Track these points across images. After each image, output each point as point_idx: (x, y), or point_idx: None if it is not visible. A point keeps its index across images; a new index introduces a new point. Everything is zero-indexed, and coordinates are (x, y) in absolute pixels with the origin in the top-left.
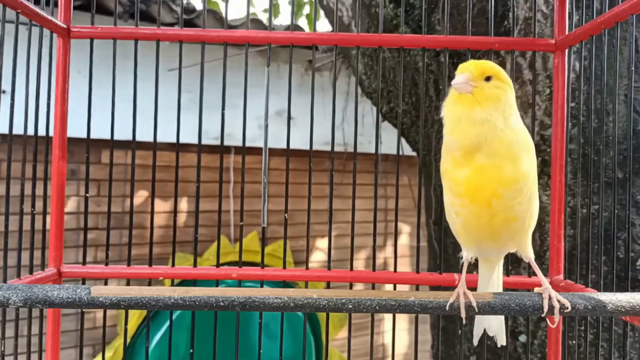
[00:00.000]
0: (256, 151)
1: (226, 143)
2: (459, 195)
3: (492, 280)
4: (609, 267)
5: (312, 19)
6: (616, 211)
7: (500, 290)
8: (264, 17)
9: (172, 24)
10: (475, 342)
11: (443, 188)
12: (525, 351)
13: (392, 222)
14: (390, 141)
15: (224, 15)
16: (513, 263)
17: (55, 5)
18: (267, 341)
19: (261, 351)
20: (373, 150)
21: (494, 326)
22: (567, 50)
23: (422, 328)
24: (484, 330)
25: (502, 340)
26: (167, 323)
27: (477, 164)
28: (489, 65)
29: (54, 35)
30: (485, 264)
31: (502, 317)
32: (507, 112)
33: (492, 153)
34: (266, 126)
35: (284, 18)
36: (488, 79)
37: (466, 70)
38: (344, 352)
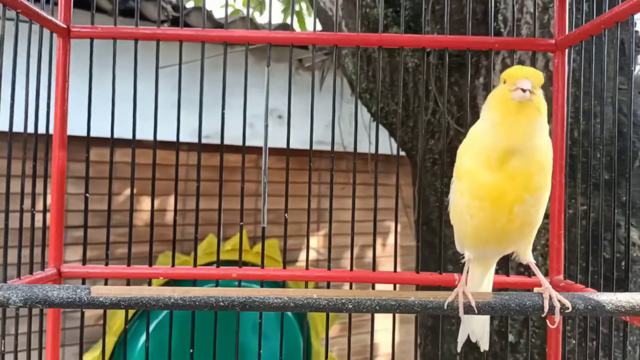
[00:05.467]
0: (248, 150)
1: (217, 142)
2: (479, 198)
3: (484, 283)
4: (596, 267)
5: (302, 18)
6: (605, 212)
7: (490, 291)
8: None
9: (162, 22)
10: (459, 348)
11: (455, 189)
12: (512, 350)
13: (380, 222)
14: (378, 140)
15: (213, 14)
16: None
17: (55, 5)
18: (258, 341)
19: (260, 351)
20: (362, 150)
21: (477, 331)
22: (567, 50)
23: (409, 327)
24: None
25: (484, 345)
26: (156, 321)
27: (510, 169)
28: (541, 75)
29: (54, 35)
30: (480, 267)
31: (487, 322)
32: (545, 122)
33: (526, 160)
34: (266, 126)
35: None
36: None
37: (530, 77)
38: (332, 351)
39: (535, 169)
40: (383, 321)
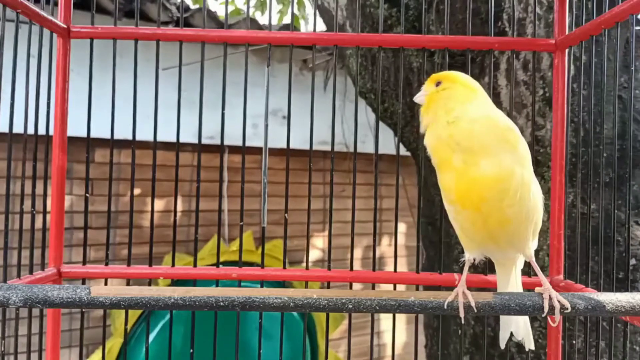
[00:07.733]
0: (251, 150)
1: (220, 142)
2: (452, 202)
3: (511, 282)
4: (607, 268)
5: (302, 18)
6: (611, 211)
7: (520, 291)
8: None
9: (166, 23)
10: (502, 345)
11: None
12: (518, 351)
13: (386, 222)
14: (383, 141)
15: (217, 15)
16: None
17: (55, 5)
18: (263, 342)
19: (260, 351)
20: (367, 150)
21: (521, 330)
22: (567, 50)
23: (414, 328)
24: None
25: (530, 344)
26: (163, 322)
27: (456, 166)
28: (440, 74)
29: (54, 35)
30: (500, 267)
31: (528, 321)
32: (449, 105)
33: (462, 150)
34: (266, 126)
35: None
36: (437, 84)
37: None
38: (339, 352)
39: (476, 158)
40: (389, 322)
